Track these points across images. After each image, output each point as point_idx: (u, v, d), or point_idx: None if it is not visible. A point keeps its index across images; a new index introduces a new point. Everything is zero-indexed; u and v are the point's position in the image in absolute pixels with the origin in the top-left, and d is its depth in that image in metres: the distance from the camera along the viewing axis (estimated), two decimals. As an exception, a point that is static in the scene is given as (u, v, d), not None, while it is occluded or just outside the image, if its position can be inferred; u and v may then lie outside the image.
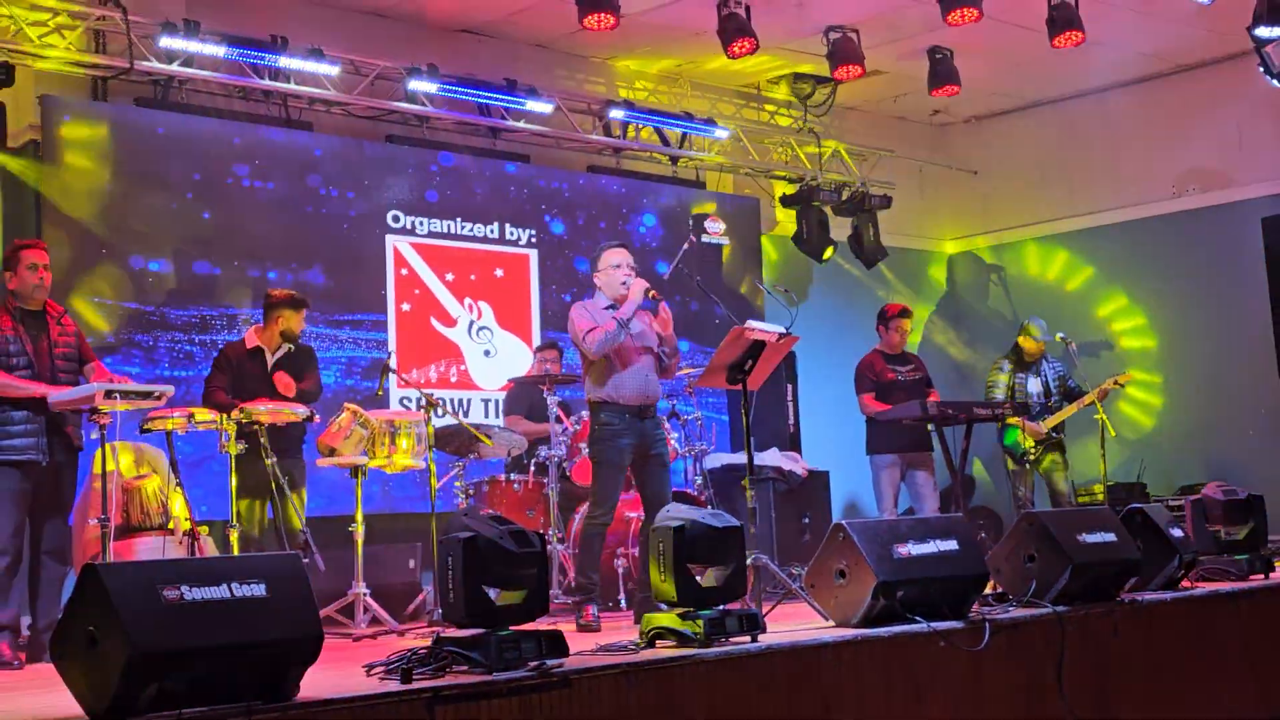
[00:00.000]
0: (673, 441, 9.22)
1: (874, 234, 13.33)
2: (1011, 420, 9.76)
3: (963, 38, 11.50)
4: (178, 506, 7.79)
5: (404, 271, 10.71)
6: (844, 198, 13.22)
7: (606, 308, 7.55)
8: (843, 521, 5.85)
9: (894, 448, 9.85)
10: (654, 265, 7.39)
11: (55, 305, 7.42)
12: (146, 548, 7.68)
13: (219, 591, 4.05)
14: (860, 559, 5.65)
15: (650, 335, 7.57)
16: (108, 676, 3.83)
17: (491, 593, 4.74)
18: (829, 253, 13.11)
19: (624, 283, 7.51)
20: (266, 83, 10.00)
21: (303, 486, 8.25)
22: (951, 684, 5.57)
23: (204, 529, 7.72)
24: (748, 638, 5.27)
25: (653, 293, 7.42)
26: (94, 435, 7.03)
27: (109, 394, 6.88)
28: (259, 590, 4.13)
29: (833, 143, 13.31)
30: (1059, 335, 10.48)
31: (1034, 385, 10.49)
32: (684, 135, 12.25)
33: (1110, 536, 6.54)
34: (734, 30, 10.70)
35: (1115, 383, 10.36)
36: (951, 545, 5.91)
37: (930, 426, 9.45)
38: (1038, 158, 14.27)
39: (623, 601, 8.65)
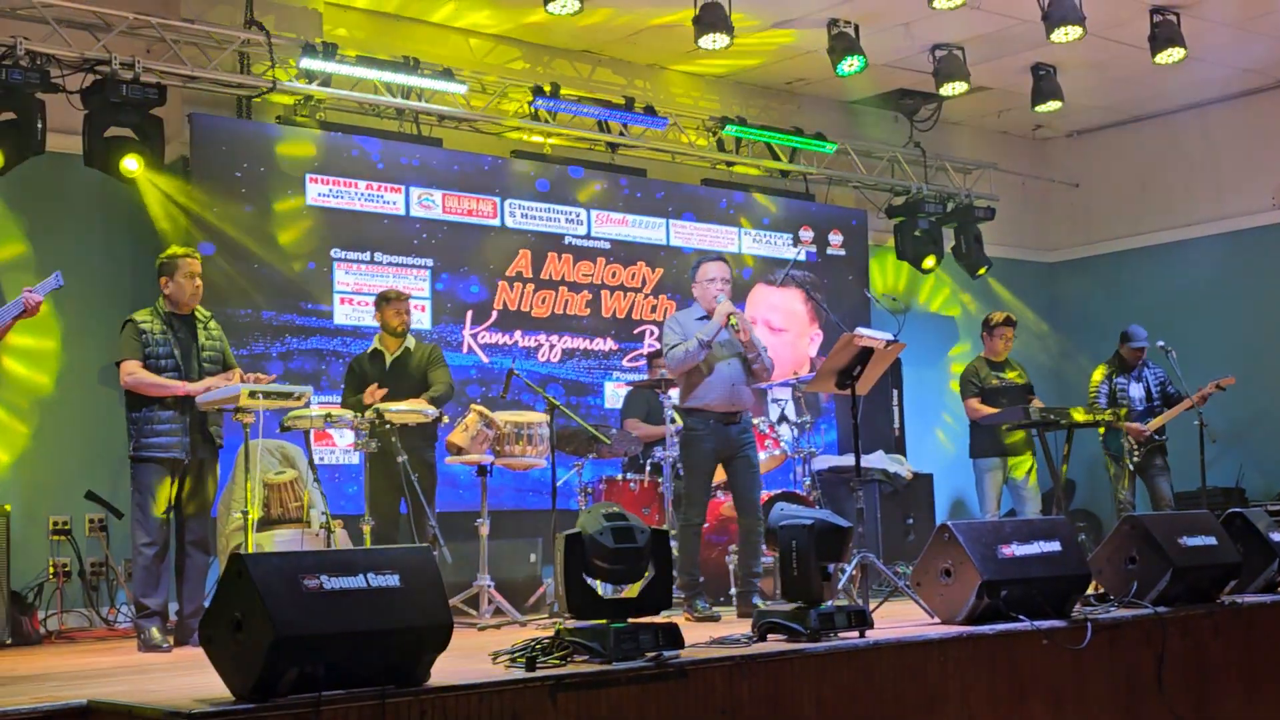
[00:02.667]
0: (782, 444, 9.50)
1: (978, 245, 13.47)
2: (1112, 420, 9.85)
3: (1066, 54, 11.65)
4: (314, 501, 8.14)
5: (523, 277, 11.04)
6: (948, 210, 13.39)
7: (700, 318, 7.83)
8: (948, 522, 6.01)
9: (997, 451, 10.05)
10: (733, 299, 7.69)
11: (203, 310, 7.70)
12: (284, 540, 7.93)
13: (356, 581, 4.19)
14: (965, 558, 5.80)
15: (737, 344, 7.82)
16: (252, 659, 3.99)
17: (604, 587, 5.00)
18: (932, 262, 13.28)
19: (716, 297, 7.78)
20: (399, 101, 10.39)
21: (432, 483, 8.49)
22: (1053, 681, 5.70)
23: (338, 522, 8.11)
24: (856, 633, 5.43)
25: (734, 320, 7.67)
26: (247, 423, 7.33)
27: (252, 394, 7.13)
28: (393, 581, 4.26)
29: (937, 157, 13.53)
30: (1159, 343, 10.58)
31: (1136, 390, 10.57)
32: (793, 150, 12.54)
33: (1210, 540, 6.62)
34: (843, 49, 10.96)
35: (1217, 386, 10.40)
36: (1054, 546, 6.04)
37: (1033, 431, 9.62)
38: (1139, 170, 14.35)
39: (734, 596, 8.91)
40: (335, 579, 4.17)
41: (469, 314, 10.73)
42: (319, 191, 10.08)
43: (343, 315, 10.13)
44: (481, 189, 10.87)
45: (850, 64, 10.98)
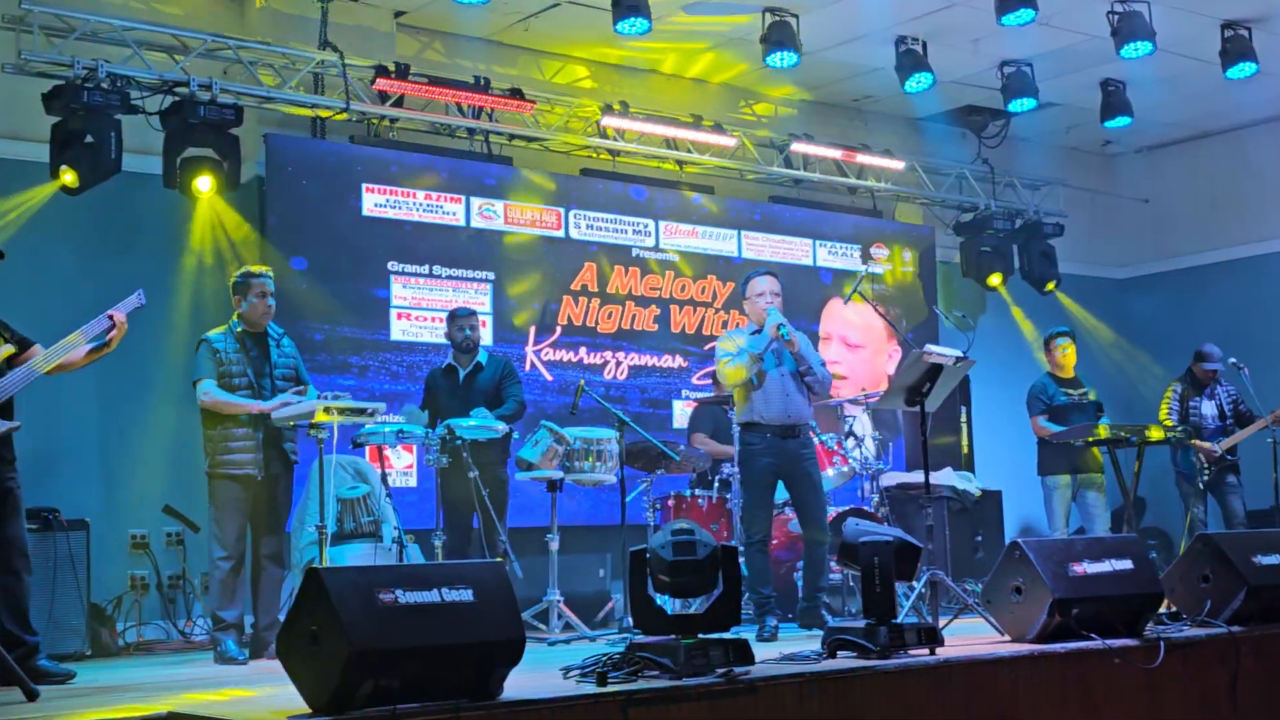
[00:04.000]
0: (851, 460, 9.50)
1: (1046, 261, 13.42)
2: (1183, 438, 9.78)
3: (1136, 69, 11.56)
4: (386, 516, 8.23)
5: (588, 290, 11.01)
6: (1017, 226, 13.35)
7: (753, 334, 7.86)
8: (1019, 540, 5.99)
9: (1066, 468, 10.00)
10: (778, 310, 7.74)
11: (276, 328, 7.84)
12: (357, 554, 8.03)
13: (430, 596, 4.25)
14: (1036, 576, 5.78)
15: (789, 357, 7.81)
16: (328, 672, 4.05)
17: (677, 603, 5.03)
18: (999, 279, 13.23)
19: (766, 310, 7.78)
20: (470, 120, 10.49)
21: (504, 498, 8.58)
22: (1125, 700, 5.66)
23: (410, 537, 8.21)
24: (926, 650, 5.42)
25: (780, 332, 7.65)
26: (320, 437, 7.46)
27: (327, 409, 7.26)
28: (466, 596, 4.33)
29: (1006, 173, 13.49)
30: (1231, 359, 10.48)
31: (1208, 408, 10.49)
32: (861, 166, 12.55)
33: (1285, 558, 6.53)
34: (911, 66, 10.97)
35: None
36: (1126, 564, 6.01)
37: (1103, 448, 9.57)
38: (1209, 186, 14.23)
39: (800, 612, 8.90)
40: (410, 593, 4.23)
41: (532, 329, 10.72)
42: (375, 202, 10.09)
43: (399, 331, 10.13)
44: (551, 207, 10.89)
45: (918, 81, 10.97)
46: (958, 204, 13.30)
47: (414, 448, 9.47)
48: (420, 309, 10.22)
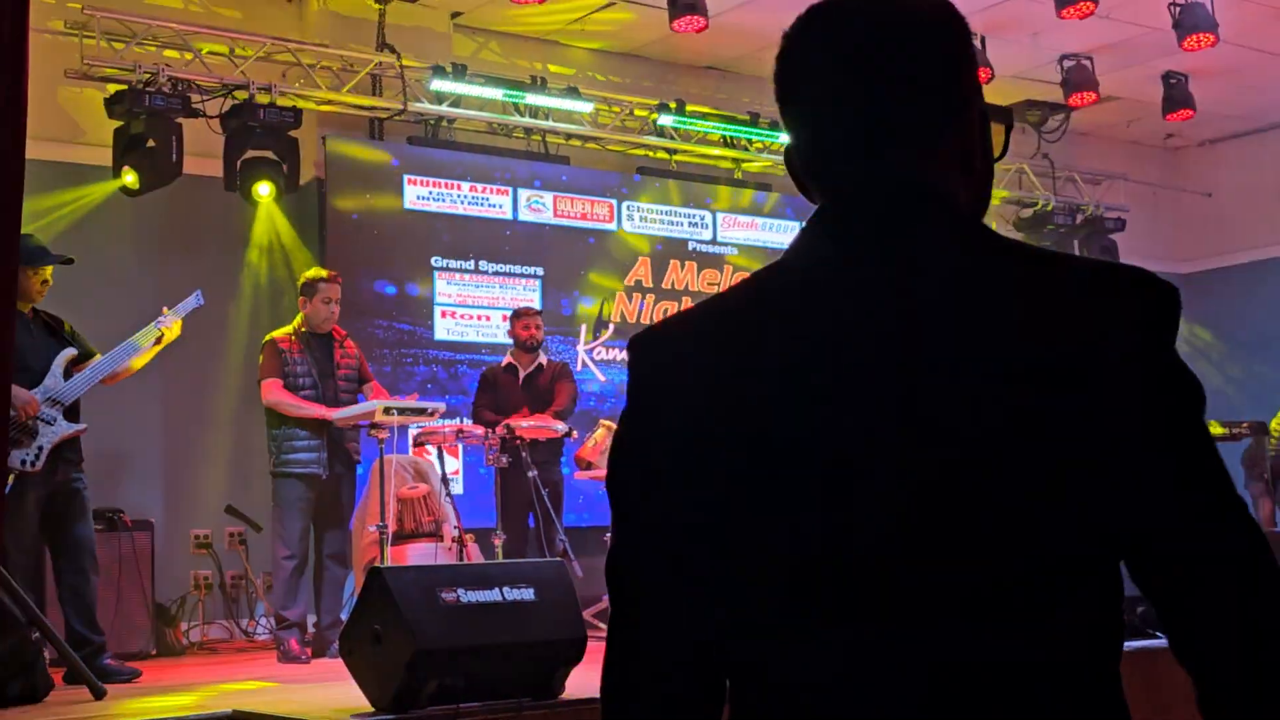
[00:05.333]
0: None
1: (1108, 255, 13.29)
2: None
3: (1198, 62, 11.45)
4: (447, 515, 8.30)
5: (642, 286, 10.89)
6: (1078, 221, 13.23)
7: None
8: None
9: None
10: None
11: (339, 329, 7.89)
12: (418, 553, 8.01)
13: (492, 595, 4.29)
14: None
15: None
16: (392, 671, 4.09)
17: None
18: (1060, 275, 13.09)
19: None
20: (527, 120, 10.47)
21: (561, 498, 8.57)
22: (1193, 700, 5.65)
23: (470, 536, 8.24)
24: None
25: None
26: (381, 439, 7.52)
27: (387, 410, 7.37)
28: (528, 595, 4.36)
29: (1066, 168, 13.38)
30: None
31: None
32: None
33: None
34: (970, 60, 10.90)
35: None
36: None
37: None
38: (1274, 179, 14.05)
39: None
40: (472, 592, 4.25)
41: (583, 328, 10.62)
42: (417, 194, 9.98)
43: (444, 330, 10.03)
44: (599, 193, 10.75)
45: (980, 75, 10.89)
46: (1018, 199, 13.18)
47: (459, 452, 9.45)
48: (465, 306, 10.14)
